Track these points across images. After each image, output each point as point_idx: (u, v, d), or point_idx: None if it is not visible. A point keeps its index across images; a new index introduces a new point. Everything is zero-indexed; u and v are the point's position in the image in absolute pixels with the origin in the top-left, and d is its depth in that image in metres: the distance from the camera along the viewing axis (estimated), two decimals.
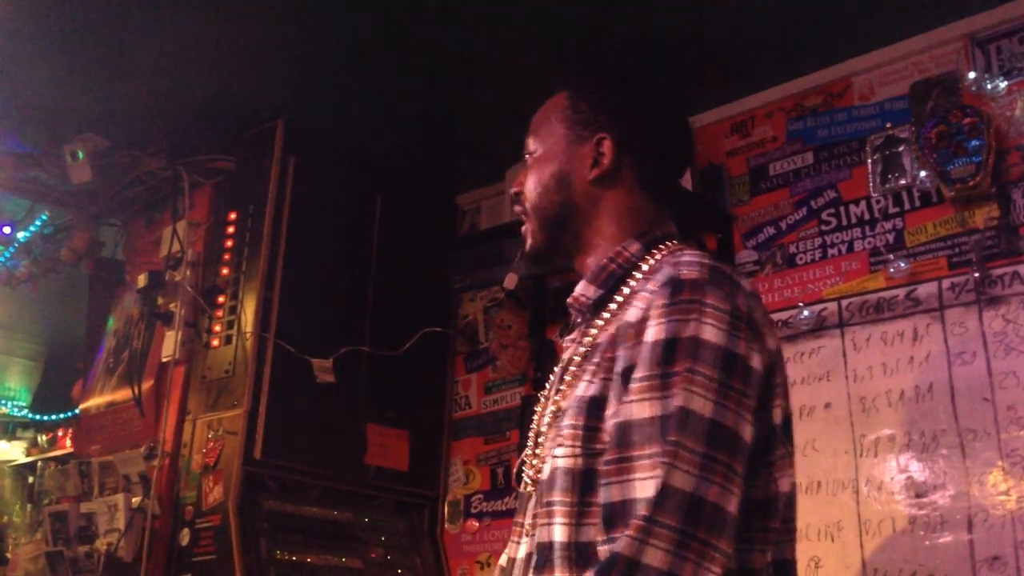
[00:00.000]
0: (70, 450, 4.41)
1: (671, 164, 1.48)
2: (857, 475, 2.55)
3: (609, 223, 1.41)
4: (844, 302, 2.70)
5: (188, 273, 3.18)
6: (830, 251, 2.78)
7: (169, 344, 3.14)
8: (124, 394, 3.28)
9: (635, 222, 1.41)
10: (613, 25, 2.71)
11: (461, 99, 3.10)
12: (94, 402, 3.48)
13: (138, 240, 3.58)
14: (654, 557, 1.07)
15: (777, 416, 1.24)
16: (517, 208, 1.51)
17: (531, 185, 1.46)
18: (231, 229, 3.18)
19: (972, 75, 2.61)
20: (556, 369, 1.41)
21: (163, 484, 2.99)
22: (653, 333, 1.19)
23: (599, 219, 1.42)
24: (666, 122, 1.48)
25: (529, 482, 1.36)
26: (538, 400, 1.46)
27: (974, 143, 2.50)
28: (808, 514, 2.58)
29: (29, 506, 5.52)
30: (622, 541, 1.09)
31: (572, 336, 1.40)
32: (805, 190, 2.89)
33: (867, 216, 2.74)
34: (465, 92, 3.06)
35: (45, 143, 3.29)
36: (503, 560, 1.43)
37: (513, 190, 1.51)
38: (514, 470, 1.48)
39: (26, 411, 5.80)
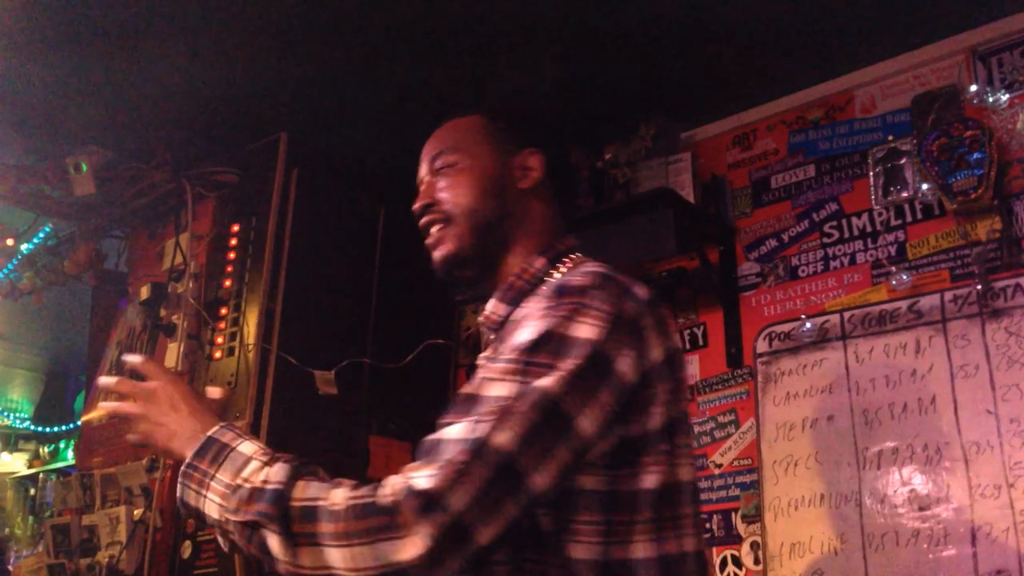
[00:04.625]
0: (72, 462, 4.41)
1: (574, 183, 1.57)
2: (860, 488, 2.54)
3: (528, 233, 1.48)
4: (846, 314, 2.70)
5: (191, 285, 3.18)
6: (832, 263, 2.78)
7: (172, 356, 3.14)
8: None
9: (544, 235, 1.48)
10: (614, 37, 2.72)
11: (463, 111, 3.11)
12: (96, 414, 3.48)
13: (141, 252, 3.58)
14: (458, 497, 1.10)
15: (656, 420, 1.25)
16: (428, 218, 1.51)
17: (460, 192, 1.48)
18: (234, 241, 3.18)
19: (974, 88, 2.62)
20: None
21: (165, 496, 2.98)
22: (529, 329, 1.23)
23: (523, 228, 1.48)
24: (566, 147, 1.58)
25: None
26: None
27: (976, 156, 2.51)
28: (811, 526, 2.58)
29: (31, 518, 5.52)
30: (435, 476, 1.12)
31: (486, 354, 1.41)
32: (807, 203, 2.89)
33: (869, 228, 2.74)
34: (467, 104, 3.06)
35: (49, 155, 3.30)
36: None
37: (419, 203, 1.52)
38: None
39: (28, 423, 5.81)
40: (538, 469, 1.14)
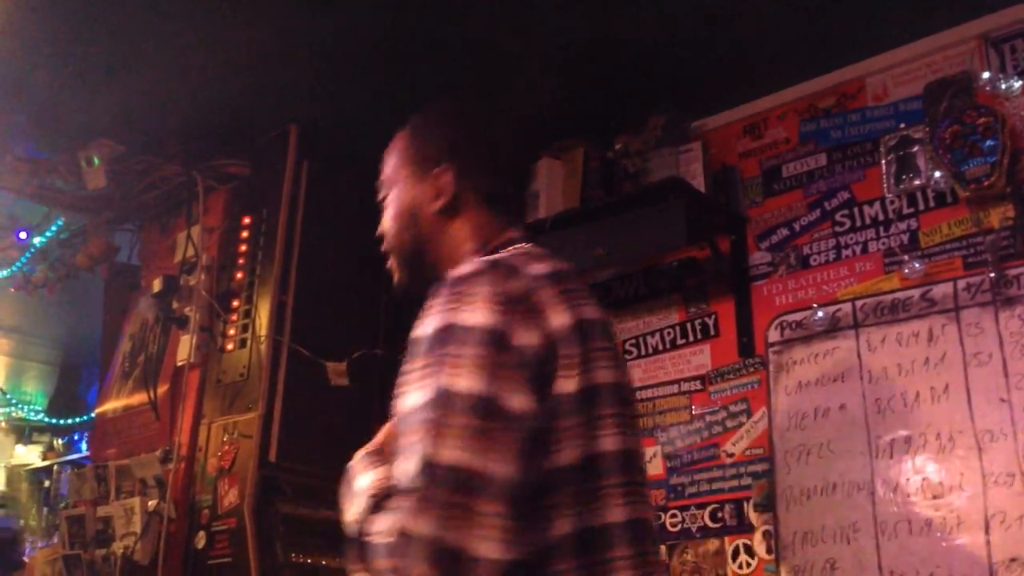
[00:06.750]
0: (86, 454, 4.43)
1: (507, 179, 1.56)
2: (873, 477, 2.54)
3: (457, 247, 1.49)
4: (859, 303, 2.69)
5: (203, 277, 3.19)
6: (844, 252, 2.77)
7: (184, 348, 3.15)
8: (140, 398, 3.30)
9: (479, 239, 1.48)
10: (624, 28, 2.71)
11: (471, 104, 3.11)
12: (110, 406, 3.50)
13: (153, 245, 3.60)
14: (426, 524, 1.10)
15: (568, 386, 1.25)
16: (383, 249, 1.59)
17: (390, 227, 1.56)
18: (245, 233, 3.19)
19: (986, 75, 2.60)
20: None
21: (179, 487, 3.00)
22: (424, 328, 1.27)
23: (449, 246, 1.50)
24: (498, 142, 1.58)
25: None
26: None
27: (989, 143, 2.49)
28: (824, 516, 2.58)
29: (46, 510, 5.55)
30: (397, 514, 1.13)
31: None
32: (819, 191, 2.88)
33: (881, 217, 2.73)
34: (475, 97, 3.06)
35: (61, 149, 3.31)
36: None
37: (379, 232, 1.59)
38: None
39: (42, 415, 5.84)
40: (498, 454, 1.14)
